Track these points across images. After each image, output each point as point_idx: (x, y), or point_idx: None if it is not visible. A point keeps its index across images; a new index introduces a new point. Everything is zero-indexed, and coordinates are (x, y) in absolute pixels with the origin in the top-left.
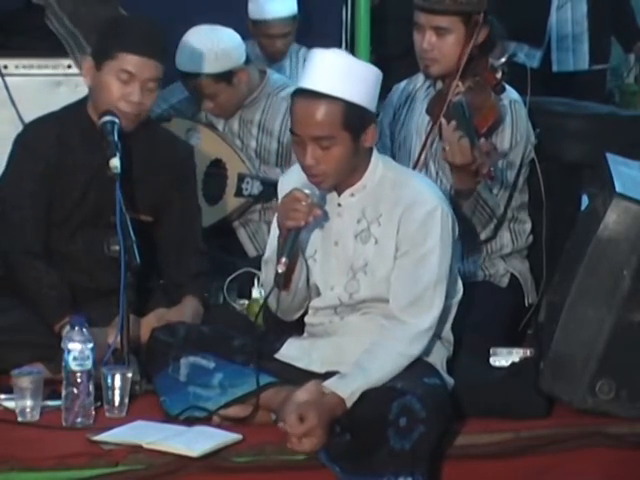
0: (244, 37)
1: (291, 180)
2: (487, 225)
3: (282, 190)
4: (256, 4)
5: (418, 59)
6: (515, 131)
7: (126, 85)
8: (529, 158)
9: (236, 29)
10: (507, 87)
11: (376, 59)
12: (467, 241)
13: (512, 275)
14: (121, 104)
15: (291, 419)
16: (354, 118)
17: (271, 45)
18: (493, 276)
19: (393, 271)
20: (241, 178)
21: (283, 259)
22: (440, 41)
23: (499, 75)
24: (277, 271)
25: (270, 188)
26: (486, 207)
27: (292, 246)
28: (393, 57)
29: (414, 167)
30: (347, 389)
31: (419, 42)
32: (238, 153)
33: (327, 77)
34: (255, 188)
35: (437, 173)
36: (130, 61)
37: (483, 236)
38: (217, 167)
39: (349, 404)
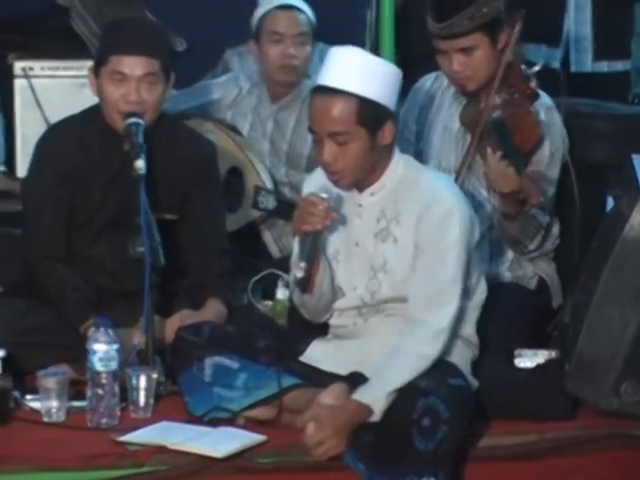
0: None
1: (315, 182)
2: (535, 237)
3: (306, 191)
4: None
5: (450, 81)
6: (553, 141)
7: (122, 86)
8: (563, 161)
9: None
10: (540, 92)
11: (400, 60)
12: (494, 243)
13: (540, 277)
14: (121, 105)
15: (308, 427)
16: (369, 114)
17: None
18: (521, 278)
19: (412, 271)
20: (257, 191)
21: (302, 264)
22: (469, 59)
23: (533, 84)
24: (296, 276)
25: (285, 206)
26: (534, 222)
27: (310, 250)
28: (417, 58)
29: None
30: (369, 395)
31: (447, 66)
32: (254, 164)
33: (342, 73)
34: (270, 203)
35: (469, 179)
36: (120, 62)
37: (532, 247)
38: (235, 176)
39: (376, 409)
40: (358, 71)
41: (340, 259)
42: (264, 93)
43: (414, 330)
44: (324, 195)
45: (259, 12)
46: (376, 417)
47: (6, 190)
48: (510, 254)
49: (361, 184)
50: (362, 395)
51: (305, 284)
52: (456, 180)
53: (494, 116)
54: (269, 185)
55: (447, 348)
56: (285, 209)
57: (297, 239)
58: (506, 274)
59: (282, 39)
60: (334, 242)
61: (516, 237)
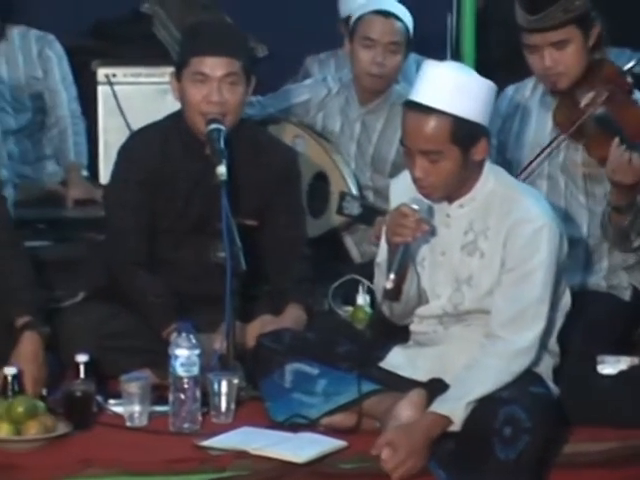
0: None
1: (402, 185)
2: None
3: (393, 192)
4: None
5: (541, 79)
6: None
7: (203, 86)
8: None
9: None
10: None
11: (480, 64)
12: (590, 251)
13: (634, 288)
14: (203, 106)
15: (383, 452)
16: (463, 133)
17: None
18: (616, 288)
19: (497, 286)
20: (342, 196)
21: (392, 276)
22: (561, 54)
23: (629, 79)
24: (385, 287)
25: (369, 212)
26: None
27: (400, 262)
28: (498, 61)
29: (527, 178)
30: (447, 405)
31: (537, 63)
32: (341, 170)
33: (437, 91)
34: (355, 209)
35: (566, 184)
36: (201, 62)
37: (637, 243)
38: (321, 181)
39: (456, 419)
40: (453, 89)
41: (425, 265)
42: (352, 95)
43: (497, 346)
44: (415, 206)
45: (356, 13)
46: (456, 427)
47: (89, 196)
48: (605, 262)
49: (451, 196)
50: (441, 406)
51: (394, 295)
52: (528, 175)
53: (598, 113)
54: (354, 191)
55: (531, 363)
56: (369, 215)
57: (382, 245)
58: (601, 283)
59: (374, 45)
60: (421, 249)
61: (625, 230)
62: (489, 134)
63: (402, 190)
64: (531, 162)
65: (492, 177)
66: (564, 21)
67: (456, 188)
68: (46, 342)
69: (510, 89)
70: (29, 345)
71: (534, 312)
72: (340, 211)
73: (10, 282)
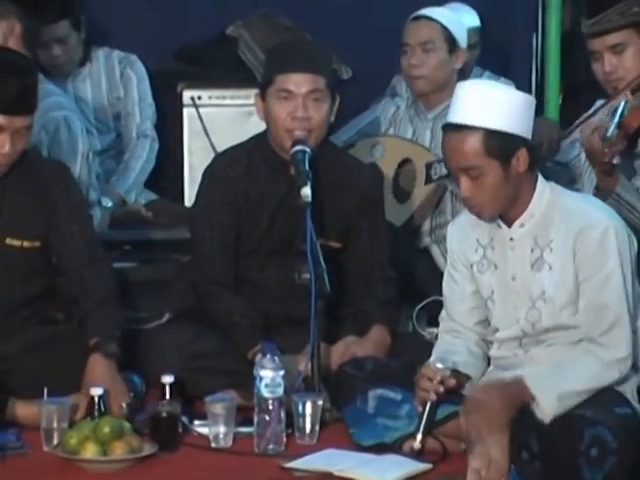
0: None
1: (457, 229)
2: None
3: (449, 235)
4: None
5: (604, 86)
6: None
7: (288, 103)
8: None
9: None
10: None
11: (567, 86)
12: None
13: None
14: (288, 123)
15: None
16: (497, 145)
17: None
18: None
19: (579, 299)
20: (428, 166)
21: (419, 436)
22: (620, 58)
23: None
24: (413, 447)
25: None
26: (634, 212)
27: (427, 421)
28: (584, 82)
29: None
30: (537, 384)
31: (599, 69)
32: (422, 145)
33: (467, 108)
34: (443, 169)
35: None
36: (286, 80)
37: None
38: (404, 166)
39: (540, 401)
40: (481, 104)
41: (496, 298)
42: (419, 105)
43: (598, 350)
44: (440, 365)
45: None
46: (538, 408)
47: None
48: None
49: (509, 216)
50: (533, 381)
51: (420, 454)
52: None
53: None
54: (440, 156)
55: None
56: None
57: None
58: None
59: (409, 49)
60: (488, 283)
61: None
62: (530, 144)
63: (458, 234)
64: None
65: (548, 190)
66: (621, 25)
67: (507, 203)
68: (116, 362)
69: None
70: (95, 367)
71: (621, 316)
72: (429, 180)
73: (83, 303)
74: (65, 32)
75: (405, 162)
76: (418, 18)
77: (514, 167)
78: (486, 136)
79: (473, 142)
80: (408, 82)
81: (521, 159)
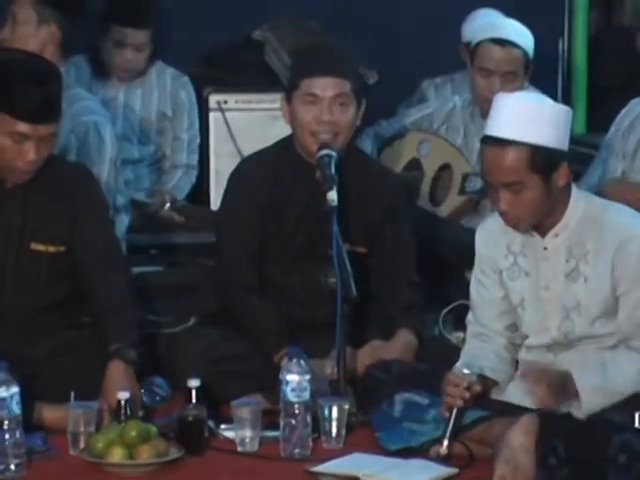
0: None
1: (486, 233)
2: None
3: (477, 240)
4: None
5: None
6: None
7: (314, 107)
8: None
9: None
10: None
11: (594, 91)
12: None
13: None
14: (314, 126)
15: None
16: (542, 161)
17: None
18: None
19: (619, 312)
20: (465, 177)
21: (445, 441)
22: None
23: None
24: (439, 453)
25: None
26: None
27: (453, 427)
28: (611, 87)
29: None
30: (583, 379)
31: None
32: (464, 155)
33: (510, 122)
34: (477, 184)
35: None
36: (312, 84)
37: None
38: (444, 170)
39: (584, 396)
40: (526, 118)
41: (526, 306)
42: (476, 111)
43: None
44: (466, 371)
45: (475, 38)
46: (577, 406)
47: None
48: None
49: (543, 227)
50: (579, 377)
51: (447, 459)
52: None
53: None
54: (478, 170)
55: None
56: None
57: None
58: None
59: (491, 74)
60: (519, 290)
61: None
62: (569, 158)
63: (486, 240)
64: None
65: (582, 201)
66: None
67: (543, 217)
68: (135, 368)
69: (637, 103)
70: (115, 374)
71: None
72: (463, 191)
73: (101, 308)
74: (144, 41)
75: (445, 167)
76: (503, 44)
77: (555, 181)
78: (532, 152)
79: (518, 158)
80: (477, 98)
81: (562, 173)
